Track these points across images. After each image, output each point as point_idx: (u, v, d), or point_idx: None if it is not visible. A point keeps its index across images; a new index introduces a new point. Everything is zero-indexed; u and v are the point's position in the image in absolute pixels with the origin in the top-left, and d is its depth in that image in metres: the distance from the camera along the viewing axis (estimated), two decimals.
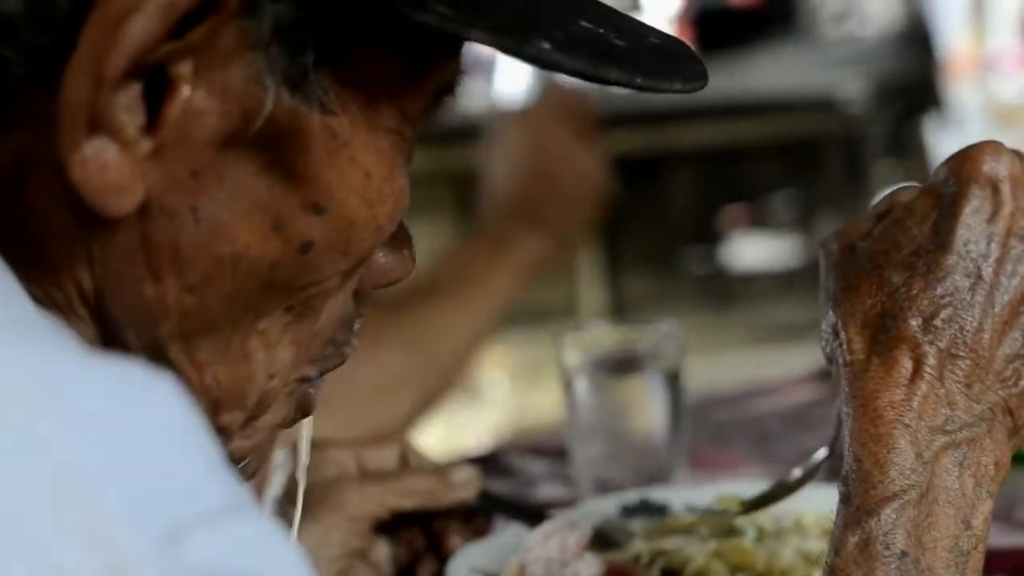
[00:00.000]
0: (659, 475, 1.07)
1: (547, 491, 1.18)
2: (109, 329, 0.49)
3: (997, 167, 0.60)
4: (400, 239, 0.54)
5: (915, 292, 0.60)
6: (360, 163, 0.49)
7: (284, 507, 0.88)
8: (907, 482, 0.58)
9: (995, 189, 0.60)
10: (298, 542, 0.84)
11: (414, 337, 1.20)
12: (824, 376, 1.49)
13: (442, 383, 1.22)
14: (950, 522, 0.58)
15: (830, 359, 0.63)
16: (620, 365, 1.07)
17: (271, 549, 0.42)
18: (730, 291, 5.57)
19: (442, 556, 0.91)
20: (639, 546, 0.91)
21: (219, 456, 0.42)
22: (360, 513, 0.88)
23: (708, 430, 1.32)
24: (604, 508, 0.97)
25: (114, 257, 0.47)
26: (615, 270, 5.99)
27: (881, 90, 5.04)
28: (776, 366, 1.51)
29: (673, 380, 1.08)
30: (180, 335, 0.49)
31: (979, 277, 0.60)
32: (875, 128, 5.70)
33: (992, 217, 0.60)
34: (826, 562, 0.59)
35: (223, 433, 0.52)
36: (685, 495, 0.99)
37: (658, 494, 0.99)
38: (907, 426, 0.59)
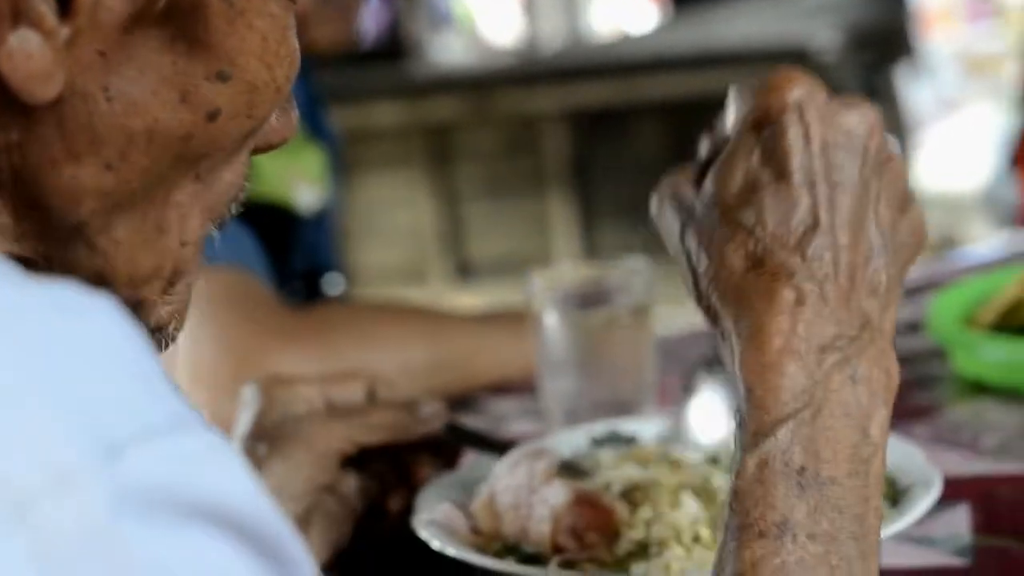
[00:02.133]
0: (628, 409, 1.07)
1: (517, 427, 1.18)
2: (28, 216, 0.50)
3: (798, 92, 0.63)
4: (287, 101, 0.57)
5: (771, 228, 0.62)
6: (257, 28, 0.51)
7: (252, 444, 0.88)
8: (799, 404, 0.59)
9: (802, 111, 0.63)
10: (266, 479, 0.84)
11: (437, 338, 1.25)
12: None
13: (453, 384, 1.23)
14: (848, 432, 0.59)
15: (707, 308, 0.64)
16: (589, 299, 1.08)
17: (216, 463, 0.42)
18: None
19: (412, 488, 0.91)
20: (608, 475, 0.91)
21: (162, 374, 0.43)
22: (328, 449, 0.88)
23: (676, 367, 1.32)
24: (573, 438, 0.97)
25: (33, 145, 0.49)
26: (588, 220, 5.98)
27: (853, 40, 5.03)
28: None
29: (642, 315, 1.08)
30: (100, 214, 0.51)
31: (819, 196, 0.62)
32: (847, 78, 5.69)
33: (807, 136, 0.62)
34: (730, 487, 0.60)
35: (145, 305, 0.54)
36: (654, 427, 0.99)
37: (627, 425, 0.99)
38: (795, 351, 0.60)
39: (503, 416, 1.23)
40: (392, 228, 5.73)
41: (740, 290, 0.62)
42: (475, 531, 0.84)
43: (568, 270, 1.12)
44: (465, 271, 5.93)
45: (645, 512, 0.83)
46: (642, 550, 0.79)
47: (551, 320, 1.08)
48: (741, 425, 0.60)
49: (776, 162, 0.63)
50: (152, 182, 0.52)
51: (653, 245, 1.11)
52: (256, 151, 0.57)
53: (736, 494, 0.59)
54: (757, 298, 0.61)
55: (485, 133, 5.73)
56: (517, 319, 1.32)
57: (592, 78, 5.38)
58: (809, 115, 0.63)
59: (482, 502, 0.84)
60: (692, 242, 0.65)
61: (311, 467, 0.87)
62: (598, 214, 6.04)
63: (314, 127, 1.53)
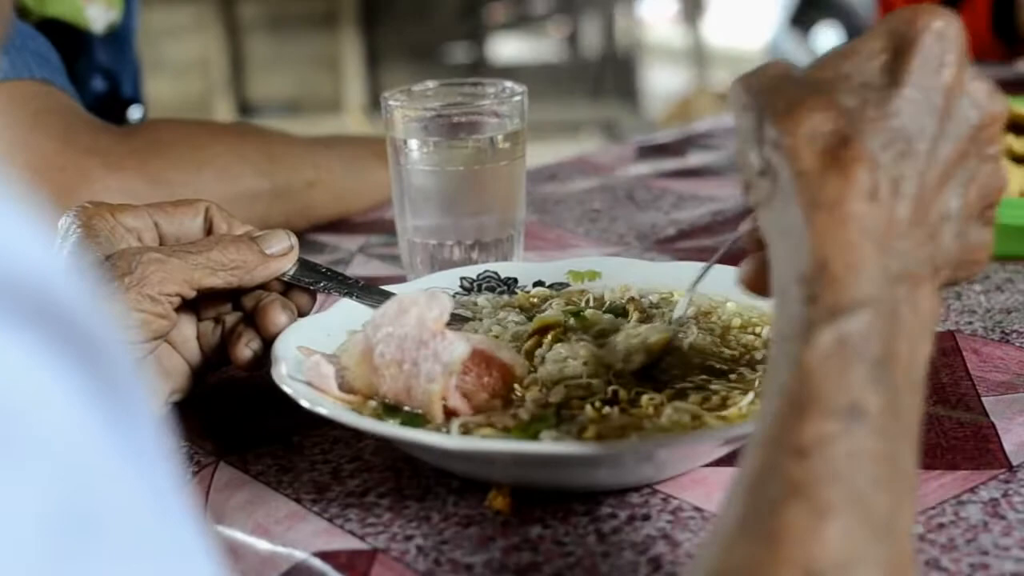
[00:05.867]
0: (498, 250, 0.96)
1: (362, 269, 1.06)
2: None
3: (948, 27, 0.59)
4: None
5: (870, 117, 0.57)
6: None
7: None
8: (877, 292, 0.53)
9: (944, 46, 0.59)
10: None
11: (275, 164, 1.11)
12: (643, 154, 1.41)
13: (291, 217, 1.10)
14: (908, 347, 0.53)
15: (763, 170, 0.58)
16: (459, 127, 0.94)
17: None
18: None
19: (263, 335, 0.78)
20: (493, 324, 0.80)
21: None
22: (162, 291, 0.74)
23: (533, 206, 1.22)
24: (444, 283, 0.86)
25: None
26: (376, 63, 5.81)
27: None
28: (543, 161, 1.39)
29: (515, 143, 0.95)
30: None
31: (924, 125, 0.58)
32: None
33: (939, 70, 0.58)
34: (783, 354, 0.52)
35: None
36: (532, 270, 0.88)
37: (504, 268, 0.88)
38: (872, 237, 0.54)
39: (344, 257, 1.10)
40: (173, 62, 5.46)
41: (813, 158, 0.55)
42: (345, 388, 0.72)
43: (434, 91, 0.98)
44: (247, 109, 5.71)
45: (547, 368, 0.72)
46: (550, 414, 0.69)
47: (412, 148, 0.94)
48: (811, 299, 0.53)
49: (896, 72, 0.58)
50: None
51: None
52: None
53: (801, 366, 0.51)
54: (837, 175, 0.55)
55: None
56: (363, 145, 1.19)
57: None
58: (948, 55, 0.58)
59: (356, 355, 0.71)
60: (775, 100, 0.58)
61: (145, 312, 0.74)
62: (387, 55, 5.87)
63: None
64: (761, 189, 0.58)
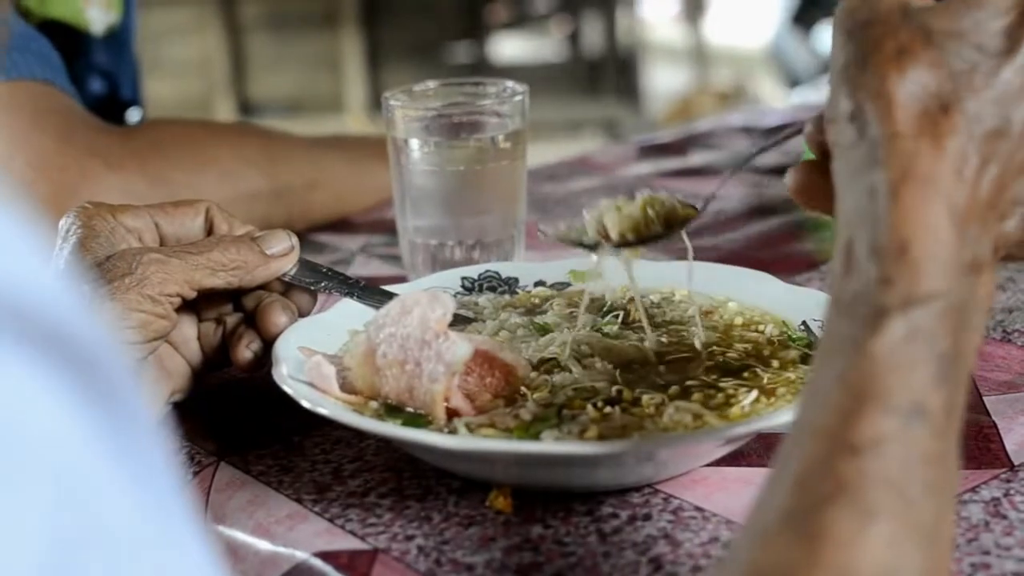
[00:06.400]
0: (499, 249, 0.96)
1: (363, 270, 1.06)
2: None
3: None
4: None
5: (976, 85, 0.54)
6: None
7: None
8: (950, 282, 0.51)
9: None
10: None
11: (276, 164, 1.11)
12: (645, 153, 1.40)
13: (292, 217, 1.10)
14: (967, 338, 0.51)
15: (853, 115, 0.54)
16: (460, 127, 0.94)
17: None
18: None
19: (264, 336, 0.78)
20: (494, 325, 0.80)
21: None
22: (162, 291, 0.74)
23: (534, 205, 1.22)
24: (445, 283, 0.85)
25: None
26: (377, 62, 5.81)
27: None
28: (544, 160, 1.39)
29: (517, 143, 0.95)
30: None
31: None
32: None
33: None
34: (845, 335, 0.50)
35: None
36: (533, 270, 0.88)
37: (505, 268, 0.88)
38: (953, 219, 0.51)
39: (345, 257, 1.10)
40: (174, 62, 5.46)
41: (910, 121, 0.52)
42: (347, 388, 0.72)
43: (435, 91, 0.98)
44: (248, 109, 5.71)
45: (551, 370, 0.72)
46: (551, 414, 0.68)
47: (413, 148, 0.94)
48: (884, 280, 0.50)
49: (1016, 37, 0.54)
50: None
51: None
52: None
53: (867, 356, 0.49)
54: (930, 145, 0.52)
55: None
56: (364, 145, 1.19)
57: None
58: None
59: (358, 355, 0.71)
60: (884, 39, 0.54)
61: (145, 313, 0.74)
62: (388, 55, 5.87)
63: None
64: (844, 133, 0.54)
